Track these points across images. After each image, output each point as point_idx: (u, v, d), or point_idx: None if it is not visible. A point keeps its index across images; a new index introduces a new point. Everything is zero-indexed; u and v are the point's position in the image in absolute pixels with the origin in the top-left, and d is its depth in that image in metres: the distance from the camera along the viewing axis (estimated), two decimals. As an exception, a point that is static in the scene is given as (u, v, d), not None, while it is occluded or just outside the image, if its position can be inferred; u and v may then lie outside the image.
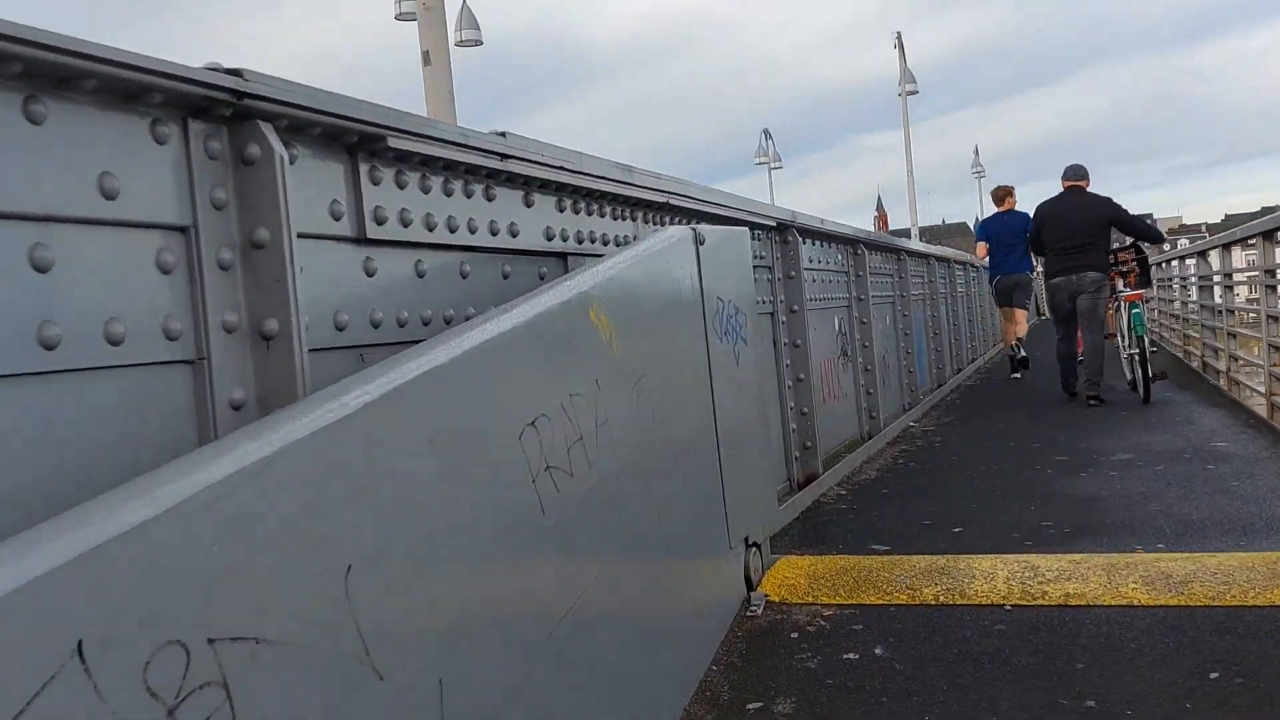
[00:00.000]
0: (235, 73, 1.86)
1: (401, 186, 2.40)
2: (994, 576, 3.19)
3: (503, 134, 2.73)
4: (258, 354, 1.88)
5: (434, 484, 1.78)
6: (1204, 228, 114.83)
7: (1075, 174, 8.77)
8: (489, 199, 2.77)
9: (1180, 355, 12.32)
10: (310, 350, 2.01)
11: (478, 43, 23.10)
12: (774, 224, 5.28)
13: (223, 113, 1.87)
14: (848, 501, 5.17)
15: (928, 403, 9.30)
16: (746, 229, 3.83)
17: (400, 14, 19.41)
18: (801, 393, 5.53)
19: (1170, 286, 15.64)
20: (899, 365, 8.78)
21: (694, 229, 3.24)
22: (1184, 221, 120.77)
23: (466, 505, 1.86)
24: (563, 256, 3.21)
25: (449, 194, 2.58)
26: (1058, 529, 4.22)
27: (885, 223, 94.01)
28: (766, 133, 43.08)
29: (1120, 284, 8.84)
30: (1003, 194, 11.23)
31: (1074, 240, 8.40)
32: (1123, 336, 8.97)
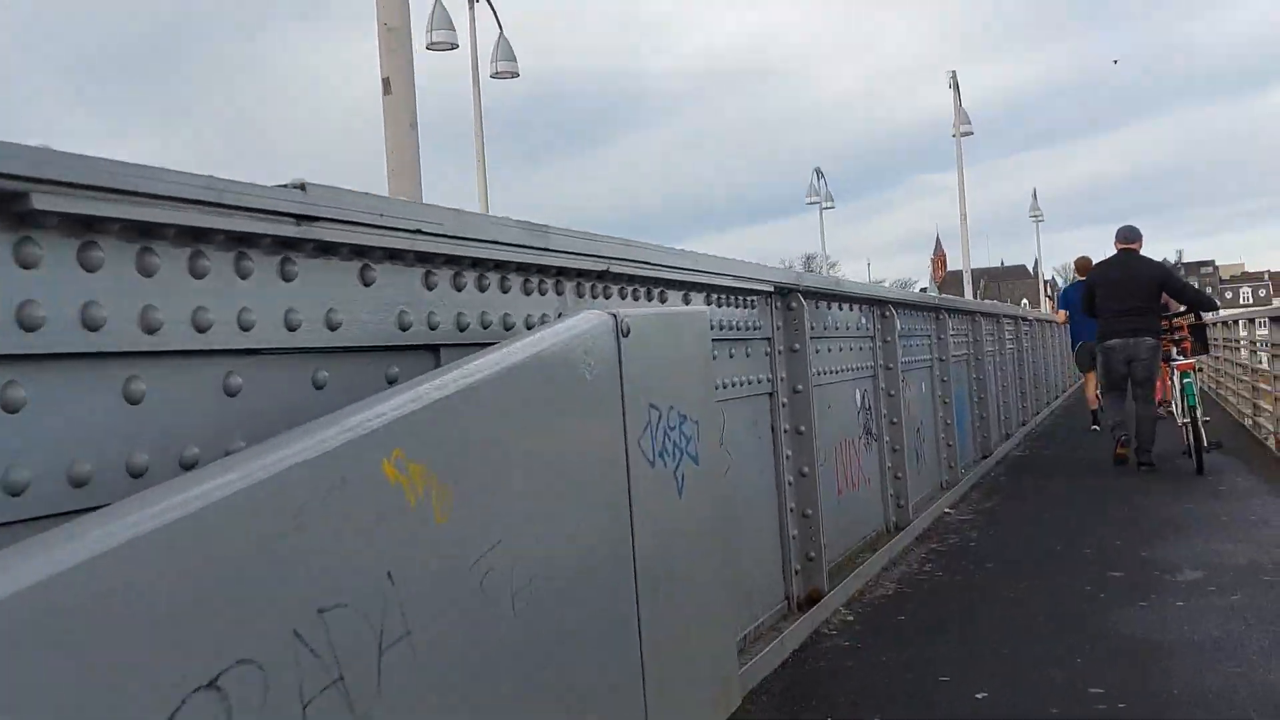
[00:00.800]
0: None
1: (91, 268, 1.55)
2: (1021, 816, 2.27)
3: (301, 186, 1.88)
4: None
5: None
6: (1267, 275, 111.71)
7: (1128, 236, 8.71)
8: (286, 278, 1.92)
9: (1249, 423, 11.17)
10: None
11: (514, 75, 22.53)
12: (771, 289, 4.39)
13: None
14: (852, 635, 4.21)
15: (969, 480, 8.31)
16: (705, 309, 2.94)
17: (432, 44, 18.72)
18: (804, 491, 4.60)
19: (1236, 348, 14.68)
20: (936, 439, 7.81)
21: (614, 314, 2.37)
22: (1246, 269, 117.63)
23: None
24: (434, 349, 2.35)
25: (199, 274, 1.74)
26: (1108, 701, 3.26)
27: (944, 263, 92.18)
28: (818, 171, 42.20)
29: (1174, 351, 8.83)
30: (1085, 264, 11.38)
31: (1125, 304, 8.36)
32: (1176, 405, 8.84)
